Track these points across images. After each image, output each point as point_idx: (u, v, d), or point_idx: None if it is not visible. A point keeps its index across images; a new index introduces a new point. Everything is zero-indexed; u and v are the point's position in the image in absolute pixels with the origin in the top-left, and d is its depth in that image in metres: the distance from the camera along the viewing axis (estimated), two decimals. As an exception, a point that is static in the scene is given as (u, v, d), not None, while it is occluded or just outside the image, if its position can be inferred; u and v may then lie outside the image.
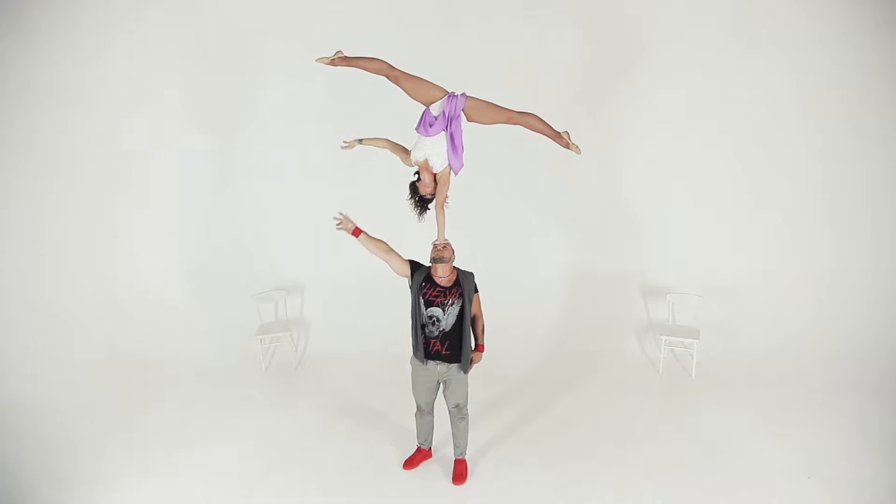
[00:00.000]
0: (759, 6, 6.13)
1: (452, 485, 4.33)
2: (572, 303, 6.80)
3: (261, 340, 6.22)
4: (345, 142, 4.29)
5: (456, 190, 6.25)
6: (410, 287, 4.11)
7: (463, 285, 4.09)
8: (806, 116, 6.27)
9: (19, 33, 5.86)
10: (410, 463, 4.54)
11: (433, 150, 4.01)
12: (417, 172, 4.14)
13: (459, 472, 4.40)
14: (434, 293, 4.03)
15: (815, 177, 6.37)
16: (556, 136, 4.25)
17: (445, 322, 4.06)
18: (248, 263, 6.84)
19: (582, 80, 6.56)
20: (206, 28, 6.48)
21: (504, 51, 6.47)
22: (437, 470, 4.51)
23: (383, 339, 6.30)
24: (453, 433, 4.41)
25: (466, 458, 4.48)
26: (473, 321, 4.19)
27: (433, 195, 4.12)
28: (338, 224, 4.03)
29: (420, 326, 4.08)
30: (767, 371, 5.92)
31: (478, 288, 4.22)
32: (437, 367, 4.16)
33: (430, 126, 3.96)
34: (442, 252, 4.02)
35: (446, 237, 4.12)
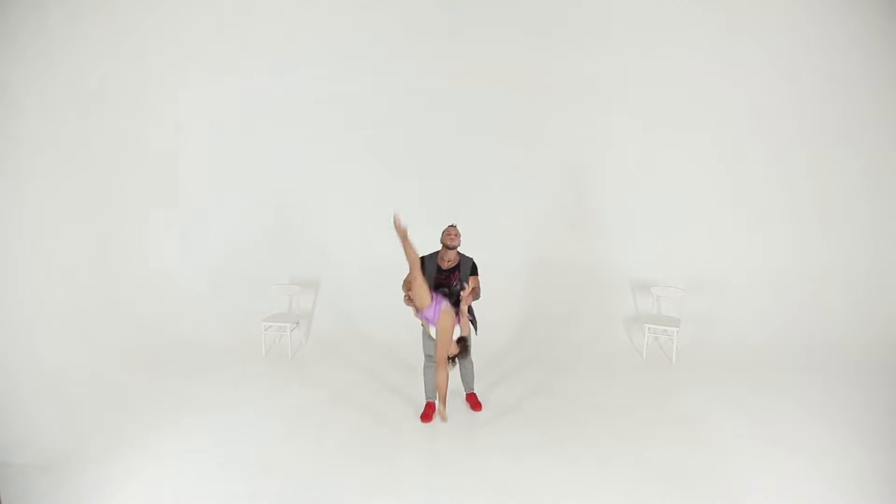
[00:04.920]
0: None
1: (473, 412, 5.39)
2: (567, 294, 7.39)
3: (265, 328, 6.78)
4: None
5: (463, 188, 6.90)
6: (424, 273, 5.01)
7: (461, 269, 5.02)
8: (787, 117, 6.87)
9: (43, 32, 6.28)
10: (426, 417, 5.27)
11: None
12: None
13: (476, 402, 5.46)
14: (442, 278, 5.03)
15: (794, 176, 6.97)
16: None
17: (452, 296, 5.00)
18: (271, 257, 7.44)
19: (572, 80, 7.13)
20: (238, 27, 7.07)
21: (495, 46, 7.09)
22: (442, 427, 5.13)
23: (391, 330, 6.88)
24: (462, 374, 5.42)
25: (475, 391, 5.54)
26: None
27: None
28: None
29: None
30: (742, 359, 6.49)
31: (477, 270, 5.09)
32: None
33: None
34: (454, 240, 5.00)
35: (455, 224, 5.08)
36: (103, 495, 4.18)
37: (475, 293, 5.04)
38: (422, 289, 4.68)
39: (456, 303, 4.99)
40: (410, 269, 4.68)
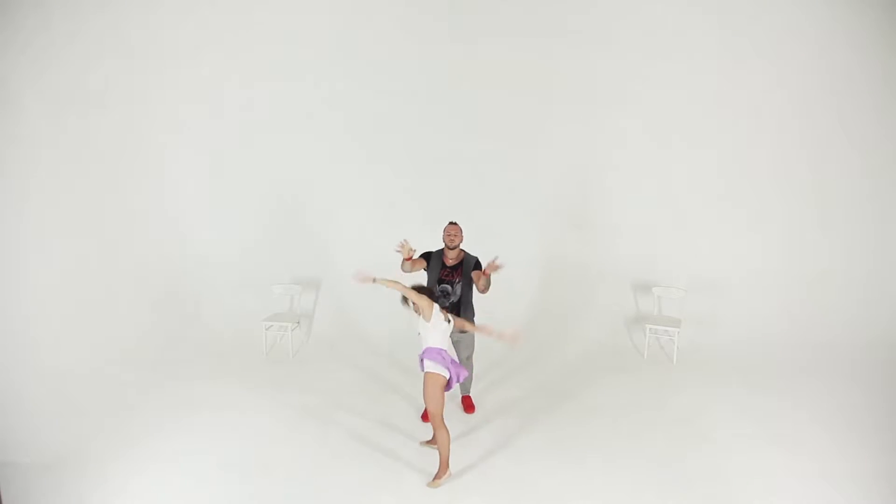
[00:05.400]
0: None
1: (466, 414, 5.34)
2: (568, 293, 7.36)
3: (266, 327, 6.76)
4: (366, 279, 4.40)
5: (464, 188, 6.72)
6: (427, 270, 5.05)
7: (464, 266, 5.01)
8: (787, 117, 6.85)
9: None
10: (427, 417, 5.18)
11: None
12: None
13: (470, 404, 5.44)
14: (445, 273, 5.04)
15: (794, 176, 6.94)
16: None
17: (455, 295, 5.02)
18: (272, 257, 7.41)
19: (573, 80, 7.12)
20: (240, 27, 7.05)
21: (496, 48, 7.11)
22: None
23: (391, 330, 6.85)
24: None
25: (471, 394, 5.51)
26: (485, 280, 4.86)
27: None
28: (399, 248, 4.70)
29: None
30: (743, 359, 6.48)
31: (480, 265, 5.05)
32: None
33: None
34: (454, 240, 4.99)
35: (455, 223, 5.06)
36: (104, 495, 4.18)
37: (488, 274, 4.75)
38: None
39: (456, 307, 4.98)
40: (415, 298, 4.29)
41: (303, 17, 7.13)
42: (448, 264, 5.05)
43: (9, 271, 5.97)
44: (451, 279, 5.02)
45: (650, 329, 6.61)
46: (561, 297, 7.37)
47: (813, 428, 5.07)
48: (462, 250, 5.12)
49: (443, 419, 4.29)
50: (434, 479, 4.32)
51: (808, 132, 6.87)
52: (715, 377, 6.11)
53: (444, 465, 4.31)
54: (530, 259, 7.42)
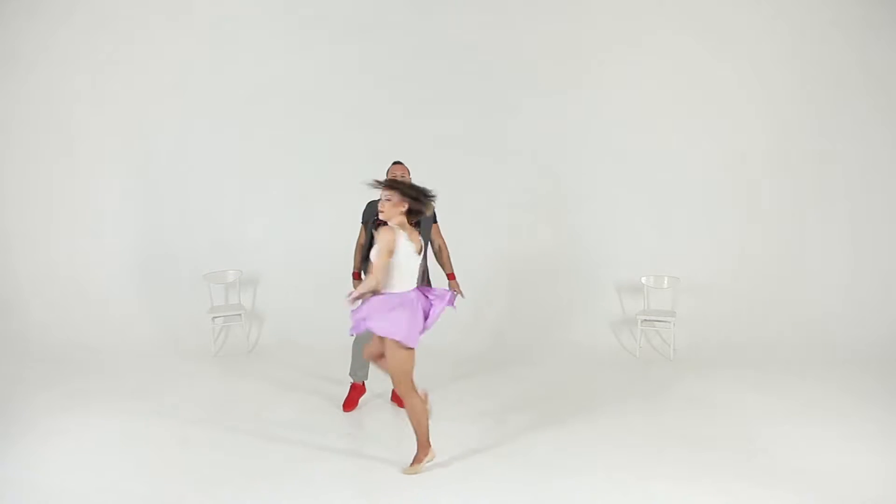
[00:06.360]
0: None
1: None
2: (543, 296, 6.72)
3: (213, 320, 6.06)
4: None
5: (425, 175, 5.91)
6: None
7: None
8: (787, 107, 6.49)
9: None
10: (350, 404, 4.40)
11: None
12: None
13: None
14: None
15: (794, 168, 6.55)
16: None
17: None
18: (198, 250, 6.66)
19: (551, 64, 6.69)
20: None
21: (478, 31, 6.66)
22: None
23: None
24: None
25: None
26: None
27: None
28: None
29: None
30: (741, 359, 5.91)
31: (437, 218, 4.39)
32: None
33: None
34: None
35: (401, 162, 4.37)
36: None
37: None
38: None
39: None
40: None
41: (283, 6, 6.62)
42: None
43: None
44: None
45: (642, 321, 6.01)
46: (534, 298, 6.70)
47: (815, 430, 4.36)
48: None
49: (413, 383, 3.39)
50: (413, 462, 3.45)
51: (808, 123, 6.49)
52: (715, 378, 5.43)
53: (423, 444, 3.44)
54: (499, 255, 6.76)
